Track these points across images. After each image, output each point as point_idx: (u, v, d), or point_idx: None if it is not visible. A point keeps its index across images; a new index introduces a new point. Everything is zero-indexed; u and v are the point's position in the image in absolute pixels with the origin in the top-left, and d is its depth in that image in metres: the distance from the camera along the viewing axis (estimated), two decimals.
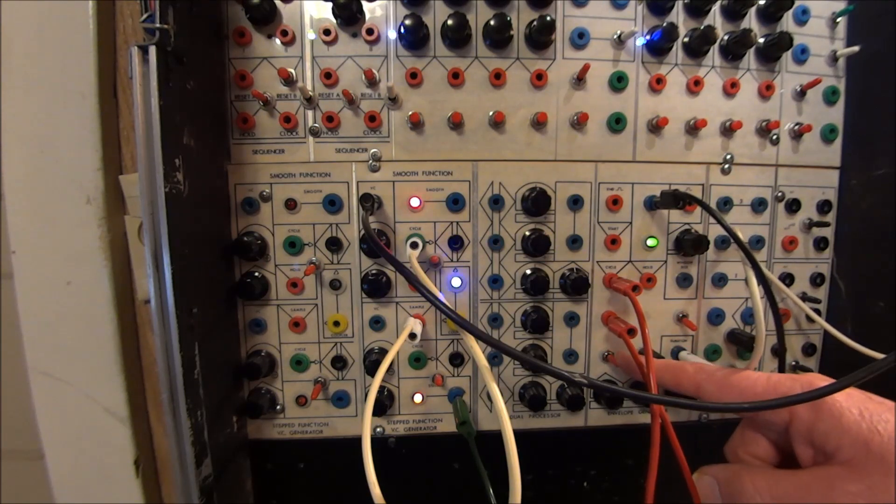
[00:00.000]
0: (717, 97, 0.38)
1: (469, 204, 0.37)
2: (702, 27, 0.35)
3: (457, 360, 0.38)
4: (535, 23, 0.34)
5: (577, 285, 0.36)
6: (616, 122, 0.37)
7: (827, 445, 0.23)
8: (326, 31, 0.34)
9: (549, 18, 0.34)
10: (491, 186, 0.37)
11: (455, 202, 0.36)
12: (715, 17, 0.37)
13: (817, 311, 0.40)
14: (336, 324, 0.37)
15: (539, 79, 0.36)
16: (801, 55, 0.38)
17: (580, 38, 0.36)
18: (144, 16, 0.26)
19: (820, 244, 0.40)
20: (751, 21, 0.37)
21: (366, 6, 0.35)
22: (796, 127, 0.38)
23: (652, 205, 0.38)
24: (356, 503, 0.28)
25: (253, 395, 0.37)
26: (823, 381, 0.24)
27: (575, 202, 0.37)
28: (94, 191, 0.35)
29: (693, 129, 0.37)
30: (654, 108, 0.37)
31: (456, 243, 0.37)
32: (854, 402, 0.23)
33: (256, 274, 0.36)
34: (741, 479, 0.25)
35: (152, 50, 0.26)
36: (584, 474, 0.41)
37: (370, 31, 0.34)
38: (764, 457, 0.27)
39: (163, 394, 0.28)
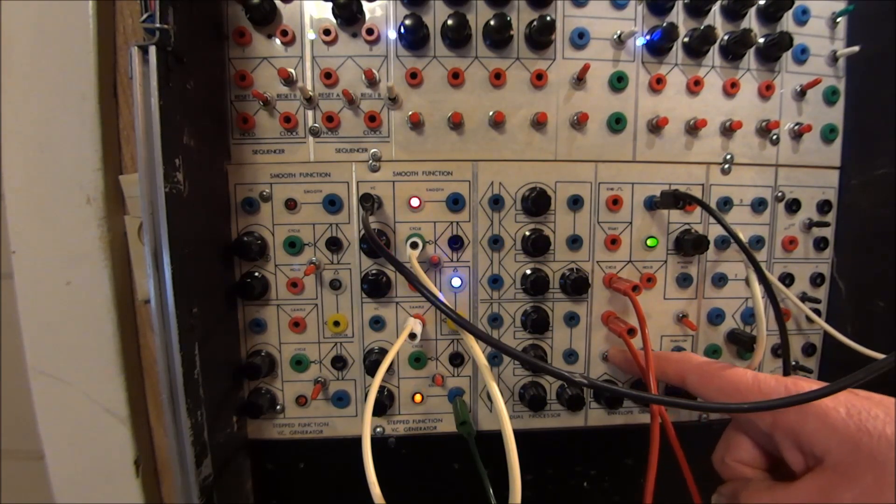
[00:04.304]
0: (717, 97, 0.37)
1: (469, 204, 0.37)
2: (702, 27, 0.35)
3: (457, 360, 0.38)
4: (535, 23, 0.34)
5: (577, 285, 0.36)
6: (616, 122, 0.37)
7: (815, 448, 0.22)
8: (326, 31, 0.34)
9: (549, 18, 0.34)
10: (491, 186, 0.37)
11: (455, 202, 0.36)
12: (715, 17, 0.37)
13: (817, 312, 0.40)
14: (336, 324, 0.37)
15: (539, 79, 0.36)
16: (801, 55, 0.38)
17: (580, 38, 0.36)
18: (144, 16, 0.26)
19: (820, 244, 0.40)
20: (751, 21, 0.37)
21: (366, 6, 0.35)
22: (796, 127, 0.38)
23: (652, 205, 0.38)
24: (356, 503, 0.28)
25: (253, 395, 0.37)
26: (808, 382, 0.24)
27: (575, 202, 0.37)
28: (94, 191, 0.35)
29: (693, 129, 0.37)
30: (654, 108, 0.37)
31: (456, 243, 0.37)
32: (839, 401, 0.22)
33: (256, 274, 0.36)
34: (737, 497, 0.25)
35: (152, 50, 0.26)
36: (584, 474, 0.41)
37: (370, 31, 0.34)
38: (751, 462, 0.26)
39: (163, 394, 0.28)
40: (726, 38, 0.36)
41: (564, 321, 0.38)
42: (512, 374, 0.39)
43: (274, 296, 0.37)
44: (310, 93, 0.35)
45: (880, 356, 0.28)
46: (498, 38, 0.34)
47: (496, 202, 0.37)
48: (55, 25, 0.34)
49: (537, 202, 0.35)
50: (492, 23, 0.34)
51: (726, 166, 0.38)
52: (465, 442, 0.35)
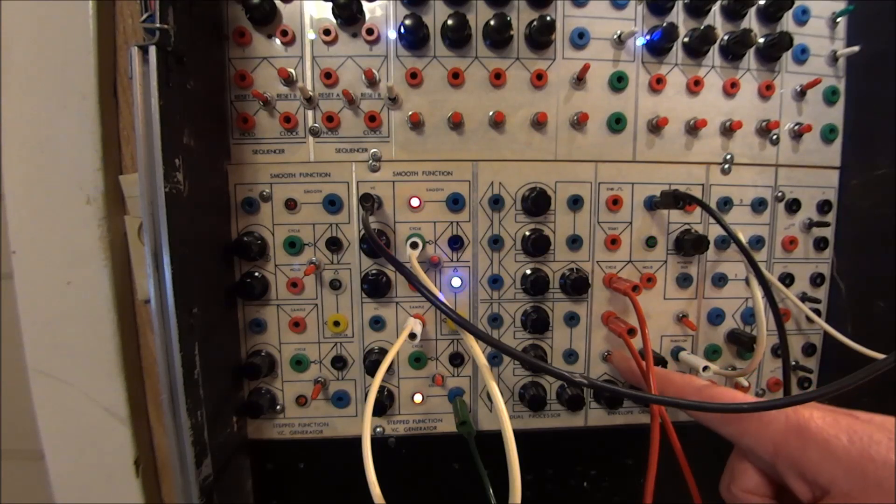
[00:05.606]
0: (717, 97, 0.37)
1: (469, 204, 0.37)
2: (702, 27, 0.35)
3: (457, 360, 0.38)
4: (535, 23, 0.34)
5: (577, 285, 0.36)
6: (616, 122, 0.37)
7: (819, 478, 0.22)
8: (326, 31, 0.34)
9: (549, 18, 0.34)
10: (491, 186, 0.37)
11: (455, 202, 0.36)
12: (715, 17, 0.37)
13: (817, 312, 0.40)
14: (336, 324, 0.37)
15: (539, 79, 0.36)
16: (801, 55, 0.38)
17: (580, 38, 0.36)
18: (144, 16, 0.26)
19: (820, 244, 0.40)
20: (751, 21, 0.37)
21: (366, 6, 0.35)
22: (796, 127, 0.38)
23: (652, 205, 0.38)
24: (356, 503, 0.28)
25: (253, 395, 0.37)
26: (806, 409, 0.23)
27: (575, 202, 0.37)
28: (94, 191, 0.35)
29: (693, 129, 0.37)
30: (654, 108, 0.37)
31: (456, 243, 0.37)
32: (841, 428, 0.22)
33: (256, 274, 0.36)
34: None
35: (152, 50, 0.26)
36: (584, 474, 0.41)
37: (370, 31, 0.34)
38: (757, 490, 0.26)
39: (163, 394, 0.28)
40: (726, 38, 0.36)
41: (564, 321, 0.38)
42: (512, 374, 0.39)
43: (274, 296, 0.37)
44: (310, 93, 0.35)
45: (880, 356, 0.28)
46: (498, 38, 0.34)
47: (496, 202, 0.37)
48: (55, 25, 0.34)
49: (537, 202, 0.35)
50: (492, 23, 0.34)
51: (726, 166, 0.38)
52: (465, 442, 0.35)
